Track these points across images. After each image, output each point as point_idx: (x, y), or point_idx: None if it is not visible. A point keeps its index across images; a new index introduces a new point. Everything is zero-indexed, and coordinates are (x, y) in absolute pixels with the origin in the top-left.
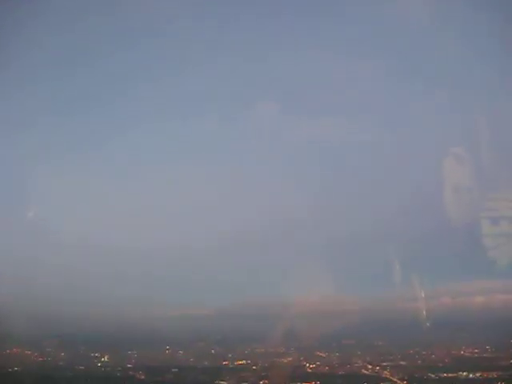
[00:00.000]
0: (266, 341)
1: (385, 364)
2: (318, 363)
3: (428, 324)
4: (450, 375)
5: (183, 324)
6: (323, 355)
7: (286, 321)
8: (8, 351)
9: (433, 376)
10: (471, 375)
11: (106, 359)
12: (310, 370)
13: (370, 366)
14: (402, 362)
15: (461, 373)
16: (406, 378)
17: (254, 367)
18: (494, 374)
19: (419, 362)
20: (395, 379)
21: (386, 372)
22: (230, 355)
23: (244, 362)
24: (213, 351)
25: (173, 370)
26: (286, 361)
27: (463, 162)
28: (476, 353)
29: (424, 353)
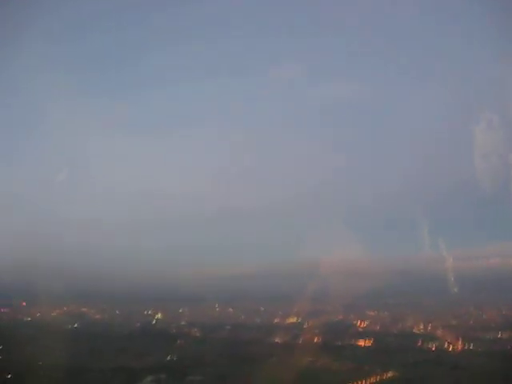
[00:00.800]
0: (312, 299)
1: (436, 323)
2: (368, 321)
3: (475, 284)
4: (504, 336)
5: (229, 283)
6: (372, 314)
7: (330, 280)
8: (65, 308)
9: (488, 336)
10: None
11: (159, 316)
12: (361, 329)
13: (421, 325)
14: (453, 322)
15: None
16: (460, 337)
17: (305, 325)
18: None
19: (471, 322)
20: (450, 339)
21: (438, 331)
22: (279, 313)
23: (295, 319)
24: (262, 309)
25: (226, 327)
26: (336, 319)
27: (492, 127)
28: None
29: (474, 313)
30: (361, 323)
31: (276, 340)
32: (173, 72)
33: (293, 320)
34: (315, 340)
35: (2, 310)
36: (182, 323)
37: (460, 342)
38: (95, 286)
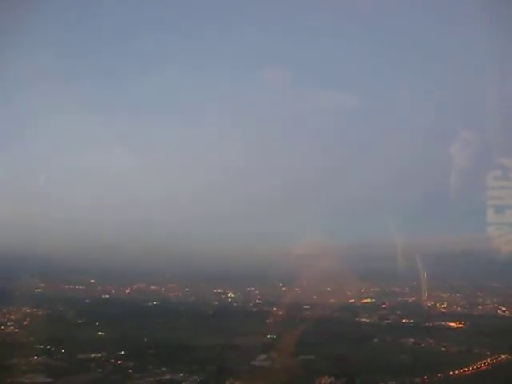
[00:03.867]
0: (377, 280)
1: None
2: (445, 303)
3: None
4: None
5: (284, 263)
6: (445, 295)
7: (394, 261)
8: (135, 286)
9: None
10: None
11: (231, 295)
12: (444, 310)
13: (503, 308)
14: None
15: None
16: None
17: (383, 306)
18: None
19: None
20: None
21: None
22: (348, 293)
23: (369, 300)
24: (329, 289)
25: (305, 306)
26: (409, 300)
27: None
28: None
29: None
30: (441, 305)
31: (363, 320)
32: (165, 62)
33: (367, 300)
34: (404, 321)
35: (78, 288)
36: (258, 302)
37: None
38: (162, 265)
